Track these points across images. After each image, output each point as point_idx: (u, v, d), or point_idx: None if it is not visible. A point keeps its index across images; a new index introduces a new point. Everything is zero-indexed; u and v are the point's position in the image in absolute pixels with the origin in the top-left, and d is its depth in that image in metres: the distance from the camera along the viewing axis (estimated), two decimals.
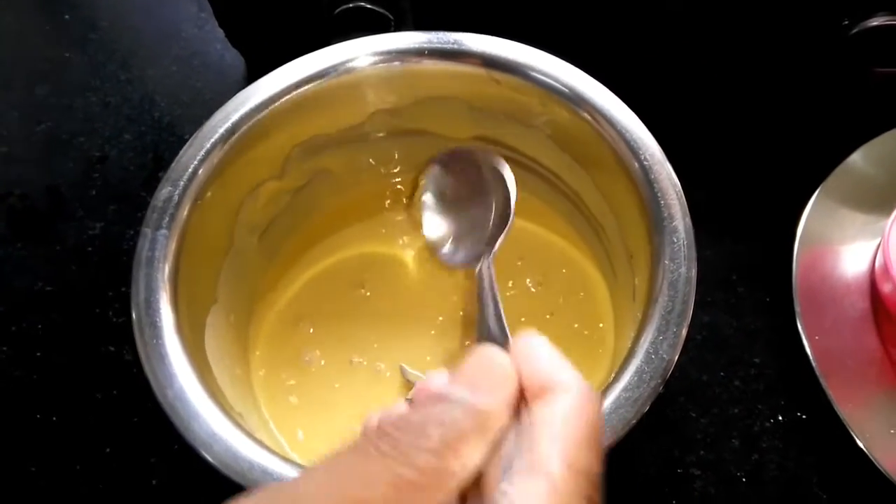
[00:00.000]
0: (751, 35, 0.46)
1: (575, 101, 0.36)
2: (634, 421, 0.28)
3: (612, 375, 0.30)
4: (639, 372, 0.29)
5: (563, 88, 0.36)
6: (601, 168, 0.37)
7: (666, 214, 0.32)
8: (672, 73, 0.50)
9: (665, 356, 0.29)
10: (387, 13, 0.45)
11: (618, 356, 0.35)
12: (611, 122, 0.35)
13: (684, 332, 0.30)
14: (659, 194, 0.33)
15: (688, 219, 0.32)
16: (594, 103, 0.36)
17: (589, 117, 0.36)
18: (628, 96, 0.37)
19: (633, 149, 0.34)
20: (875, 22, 0.44)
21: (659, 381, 0.29)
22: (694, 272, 0.31)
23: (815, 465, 0.39)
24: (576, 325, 0.41)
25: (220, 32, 0.54)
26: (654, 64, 0.49)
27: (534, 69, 0.37)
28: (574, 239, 0.43)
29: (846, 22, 0.45)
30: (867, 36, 0.45)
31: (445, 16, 0.44)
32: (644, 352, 0.29)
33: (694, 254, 0.31)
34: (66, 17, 0.60)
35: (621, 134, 0.35)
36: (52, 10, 0.60)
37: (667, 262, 0.31)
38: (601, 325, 0.41)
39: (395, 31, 0.44)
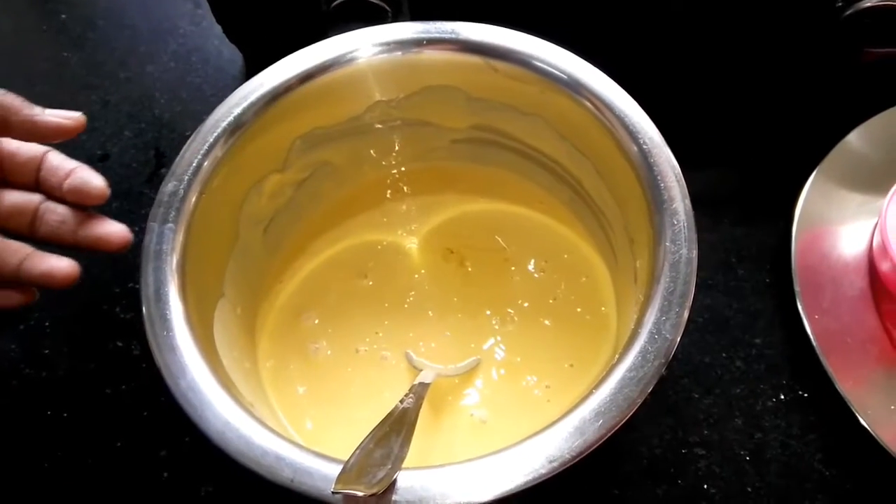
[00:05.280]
0: (745, 18, 0.47)
1: (573, 87, 0.36)
2: (640, 400, 0.28)
3: (616, 356, 0.30)
4: (643, 352, 0.29)
5: (562, 75, 0.37)
6: (601, 154, 0.37)
7: (666, 197, 0.33)
8: (667, 57, 0.50)
9: (668, 336, 0.30)
10: (384, 4, 0.45)
11: (621, 339, 0.35)
12: (609, 108, 0.35)
13: (686, 312, 0.30)
14: (659, 177, 0.33)
15: (687, 201, 0.33)
16: (592, 89, 0.36)
17: (588, 103, 0.36)
18: (625, 82, 0.37)
19: (633, 133, 0.35)
20: (868, 3, 0.45)
21: (662, 360, 0.29)
22: (695, 253, 0.31)
23: (817, 442, 0.40)
24: (578, 310, 0.41)
25: (218, 28, 0.54)
26: (649, 48, 0.49)
27: (532, 57, 0.37)
28: (575, 225, 0.44)
29: (840, 3, 0.45)
30: (861, 17, 0.45)
31: (441, 6, 0.44)
32: (647, 332, 0.30)
33: (694, 235, 0.32)
34: (64, 16, 0.60)
35: (620, 119, 0.35)
36: (50, 10, 0.60)
37: (668, 244, 0.32)
38: (603, 308, 0.41)
39: (392, 22, 0.45)
